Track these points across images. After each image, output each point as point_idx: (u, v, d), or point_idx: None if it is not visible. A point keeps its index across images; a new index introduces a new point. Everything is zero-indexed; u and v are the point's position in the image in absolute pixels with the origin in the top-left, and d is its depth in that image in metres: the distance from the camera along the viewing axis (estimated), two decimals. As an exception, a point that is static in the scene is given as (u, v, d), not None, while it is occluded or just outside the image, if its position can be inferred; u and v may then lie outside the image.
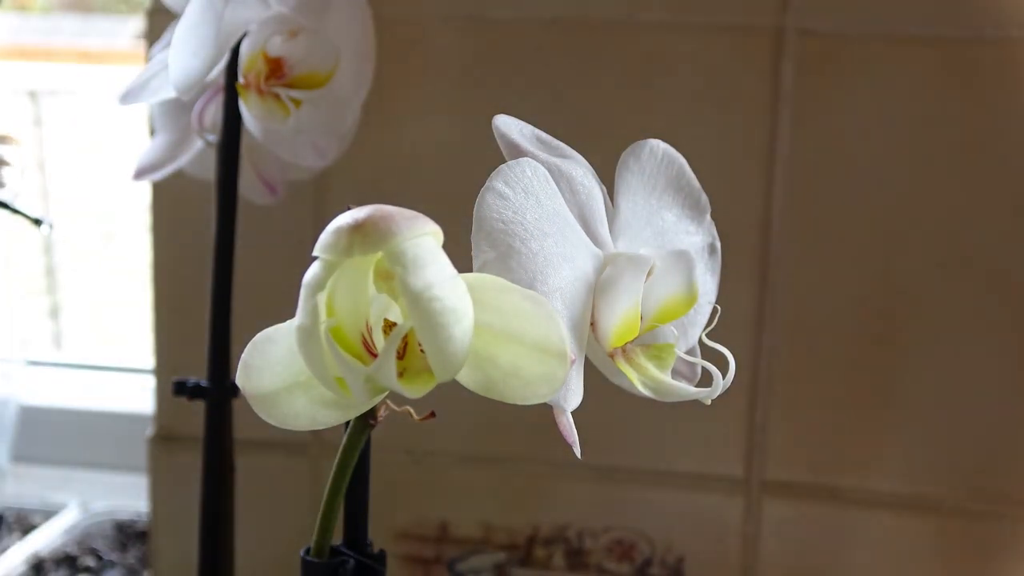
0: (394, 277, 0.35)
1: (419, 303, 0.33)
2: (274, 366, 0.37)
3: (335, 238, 0.33)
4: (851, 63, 0.76)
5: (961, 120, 0.75)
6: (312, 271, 0.34)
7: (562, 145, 0.42)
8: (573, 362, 0.37)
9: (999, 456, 0.78)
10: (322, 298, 0.34)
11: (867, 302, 0.78)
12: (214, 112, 0.66)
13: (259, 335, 0.37)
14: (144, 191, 0.86)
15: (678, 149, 0.44)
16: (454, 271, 0.35)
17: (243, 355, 0.37)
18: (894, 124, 0.76)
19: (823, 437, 0.80)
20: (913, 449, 0.79)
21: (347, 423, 0.39)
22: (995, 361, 0.77)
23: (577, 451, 0.39)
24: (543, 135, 0.42)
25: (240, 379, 0.37)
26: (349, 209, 0.34)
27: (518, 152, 0.40)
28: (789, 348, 0.79)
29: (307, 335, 0.34)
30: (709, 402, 0.39)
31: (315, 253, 0.34)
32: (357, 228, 0.33)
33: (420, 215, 0.34)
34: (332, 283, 0.34)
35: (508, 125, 0.41)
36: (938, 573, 0.80)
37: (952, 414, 0.78)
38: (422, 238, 0.34)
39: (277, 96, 0.62)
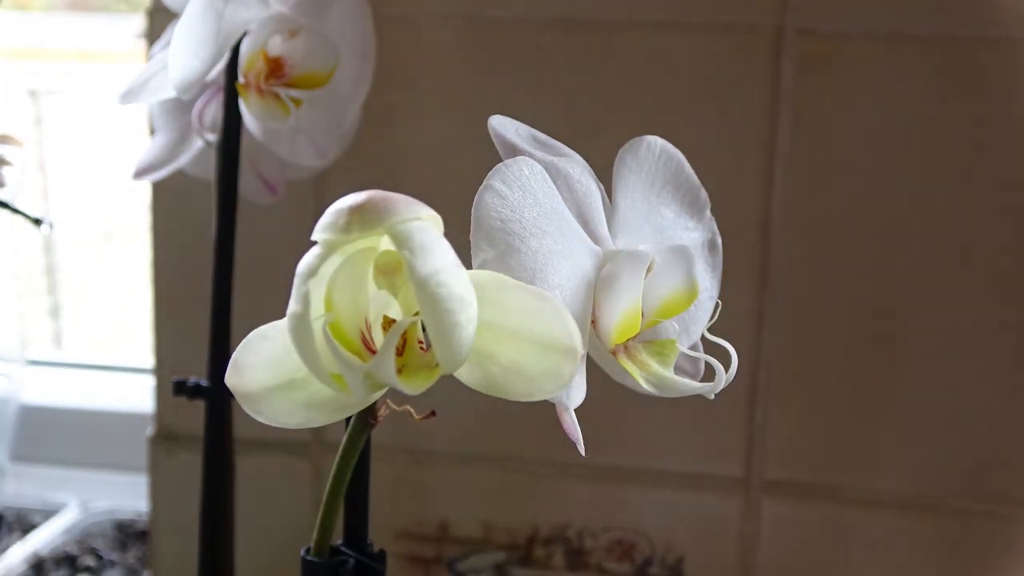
0: (394, 273, 0.35)
1: (426, 288, 0.33)
2: (268, 363, 0.37)
3: (334, 218, 0.33)
4: (851, 63, 0.75)
5: (961, 120, 0.75)
6: (307, 257, 0.33)
7: (558, 144, 0.42)
8: (583, 357, 0.36)
9: (999, 456, 0.78)
10: (315, 285, 0.33)
11: (867, 302, 0.78)
12: (214, 112, 0.66)
13: (253, 332, 0.37)
14: (144, 191, 0.86)
15: (678, 148, 0.44)
16: (457, 260, 0.34)
17: (235, 353, 0.37)
18: (894, 124, 0.76)
19: (823, 437, 0.80)
20: (913, 449, 0.79)
21: (347, 422, 0.38)
22: (995, 361, 0.77)
23: (581, 449, 0.39)
24: (539, 134, 0.42)
25: (230, 377, 0.37)
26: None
27: (515, 152, 0.40)
28: (789, 348, 0.79)
29: (298, 322, 0.33)
30: (712, 396, 0.39)
31: (314, 236, 0.34)
32: (357, 207, 0.33)
33: (419, 201, 0.34)
34: (331, 278, 0.34)
35: (504, 125, 0.41)
36: (938, 573, 0.80)
37: (952, 414, 0.78)
38: (423, 222, 0.34)
39: (277, 96, 0.62)
